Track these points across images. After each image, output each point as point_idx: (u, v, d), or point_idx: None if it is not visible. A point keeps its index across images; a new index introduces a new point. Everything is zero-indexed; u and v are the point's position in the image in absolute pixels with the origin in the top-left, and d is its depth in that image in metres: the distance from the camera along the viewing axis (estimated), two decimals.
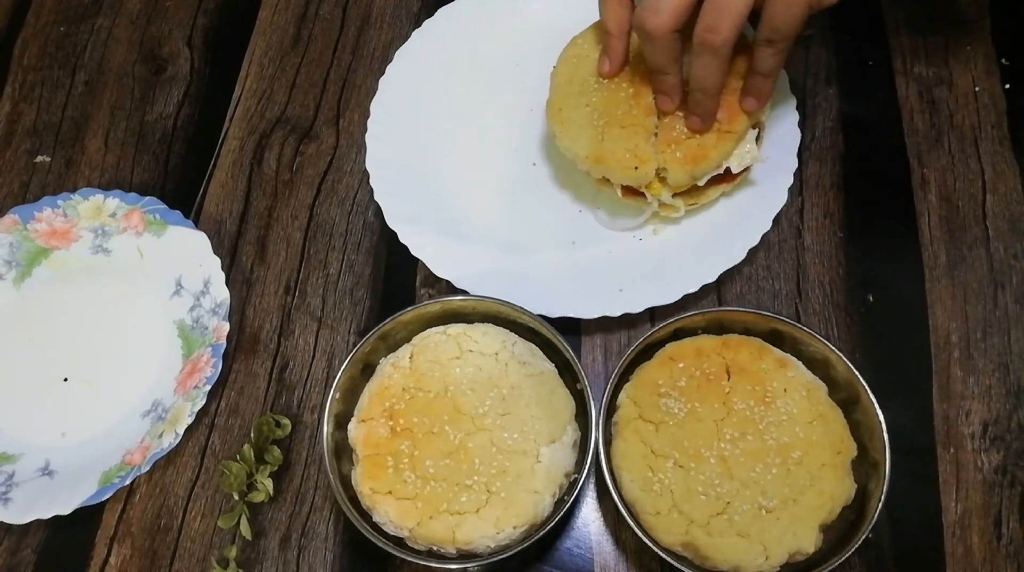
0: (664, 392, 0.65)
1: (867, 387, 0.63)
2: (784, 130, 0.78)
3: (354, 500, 0.64)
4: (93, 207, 0.80)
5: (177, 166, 0.87)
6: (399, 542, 0.63)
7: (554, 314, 0.71)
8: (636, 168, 0.70)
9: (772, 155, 0.76)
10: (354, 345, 0.76)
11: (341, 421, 0.67)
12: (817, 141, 0.83)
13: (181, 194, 0.85)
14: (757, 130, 0.74)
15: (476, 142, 0.84)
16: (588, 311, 0.72)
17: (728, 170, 0.72)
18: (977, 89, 0.84)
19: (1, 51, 0.94)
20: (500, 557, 0.61)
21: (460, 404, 0.65)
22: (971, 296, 0.75)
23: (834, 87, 0.86)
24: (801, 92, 0.85)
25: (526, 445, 0.63)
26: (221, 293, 0.75)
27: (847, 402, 0.65)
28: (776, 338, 0.68)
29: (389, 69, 0.84)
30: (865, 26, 0.88)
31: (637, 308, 0.71)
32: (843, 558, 0.59)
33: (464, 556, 0.62)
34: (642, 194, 0.73)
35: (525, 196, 0.81)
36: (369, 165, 0.80)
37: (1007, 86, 0.84)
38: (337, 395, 0.66)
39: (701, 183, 0.72)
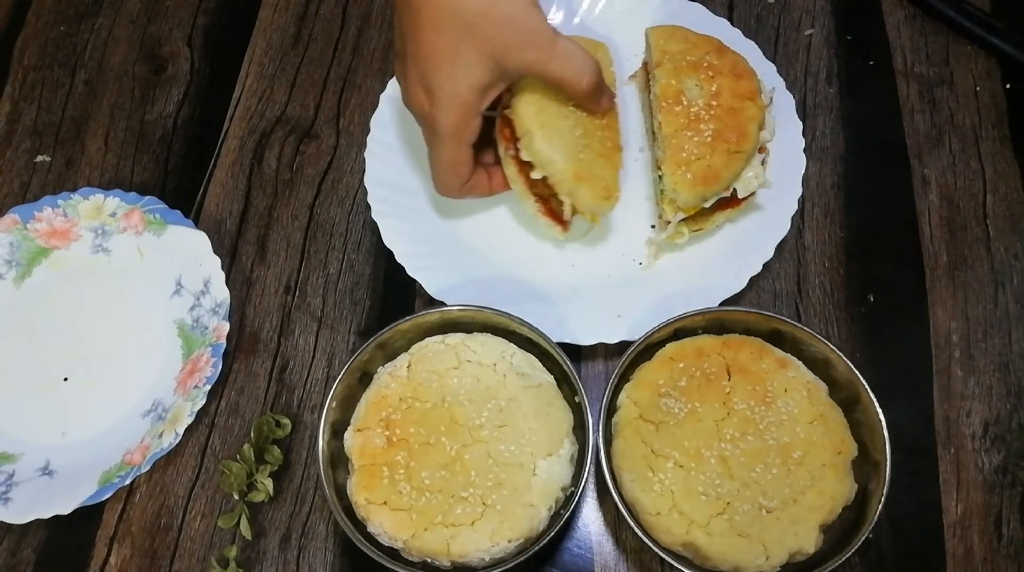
0: (664, 392, 0.65)
1: (867, 387, 0.63)
2: (790, 156, 0.77)
3: (349, 510, 0.64)
4: (93, 207, 0.80)
5: (177, 166, 0.87)
6: (394, 553, 0.63)
7: (552, 340, 0.69)
8: (606, 198, 0.69)
9: (777, 181, 0.75)
10: (354, 345, 0.77)
11: (338, 429, 0.67)
12: (817, 141, 0.83)
13: (181, 194, 0.85)
14: (763, 155, 0.74)
15: None
16: (586, 338, 0.72)
17: (735, 194, 0.72)
18: (978, 89, 0.84)
19: (1, 51, 0.94)
20: (495, 571, 0.61)
21: (457, 415, 0.64)
22: (972, 296, 0.75)
23: (834, 87, 0.85)
24: (801, 92, 0.85)
25: (523, 458, 0.63)
26: (221, 293, 0.75)
27: (848, 402, 0.65)
28: (777, 338, 0.68)
29: (390, 84, 0.84)
30: (865, 26, 0.88)
31: (635, 335, 0.70)
32: (843, 558, 0.59)
33: (458, 569, 0.62)
34: (560, 220, 0.72)
35: (525, 217, 0.80)
36: (368, 182, 0.79)
37: (1008, 86, 0.84)
38: (334, 404, 0.66)
39: (708, 205, 0.72)
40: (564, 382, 0.67)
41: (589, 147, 0.70)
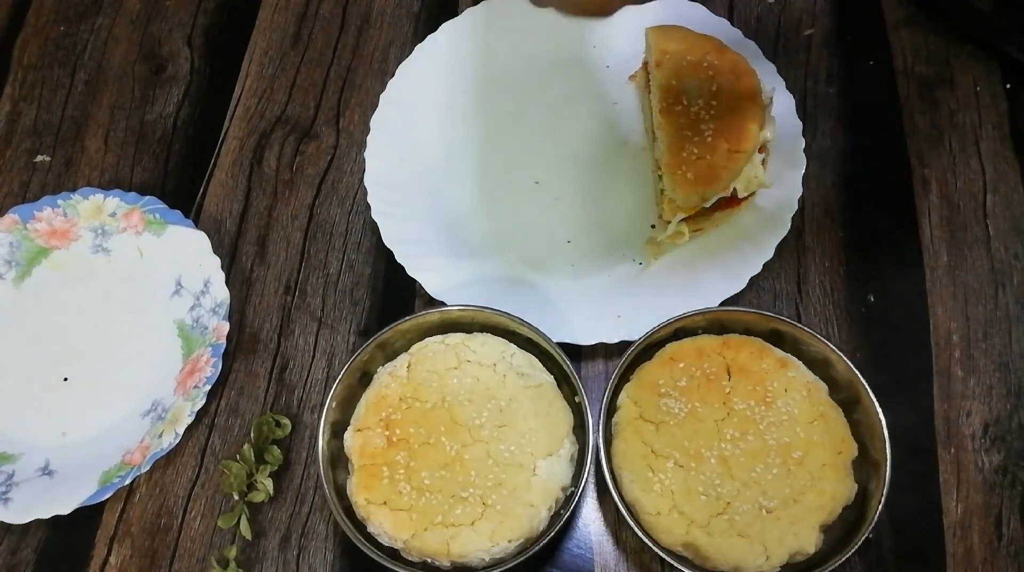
0: (665, 392, 0.65)
1: (868, 387, 0.63)
2: (790, 156, 0.77)
3: (349, 510, 0.64)
4: (93, 207, 0.80)
5: (177, 166, 0.87)
6: (394, 553, 0.63)
7: (552, 340, 0.68)
8: None
9: (777, 181, 0.75)
10: (354, 345, 0.77)
11: (338, 430, 0.67)
12: (817, 141, 0.83)
13: (181, 194, 0.85)
14: (763, 155, 0.74)
15: (476, 160, 0.83)
16: (586, 337, 0.72)
17: (735, 194, 0.72)
18: (978, 89, 0.84)
19: (1, 50, 0.94)
20: (495, 571, 0.61)
21: (457, 415, 0.64)
22: (972, 296, 0.75)
23: (834, 87, 0.85)
24: (801, 92, 0.85)
25: (523, 458, 0.63)
26: (221, 293, 0.75)
27: (848, 402, 0.65)
28: (777, 338, 0.68)
29: (390, 84, 0.84)
30: (865, 26, 0.88)
31: (635, 335, 0.70)
32: (843, 558, 0.59)
33: (458, 569, 0.62)
34: None
35: (525, 216, 0.80)
36: (368, 182, 0.79)
37: (1008, 85, 0.84)
38: (334, 404, 0.66)
39: (708, 205, 0.72)
40: (564, 382, 0.67)
41: None
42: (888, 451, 0.61)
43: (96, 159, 0.88)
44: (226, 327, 0.73)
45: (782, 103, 0.79)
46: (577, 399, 0.66)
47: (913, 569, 0.66)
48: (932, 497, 0.68)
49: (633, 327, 0.71)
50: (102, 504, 0.70)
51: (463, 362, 0.67)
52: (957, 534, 0.67)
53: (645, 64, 0.83)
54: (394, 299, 0.79)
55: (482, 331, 0.70)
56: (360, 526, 0.63)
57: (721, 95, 0.72)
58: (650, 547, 0.60)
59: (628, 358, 0.66)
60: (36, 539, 0.71)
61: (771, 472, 0.61)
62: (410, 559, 0.62)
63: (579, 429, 0.66)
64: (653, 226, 0.78)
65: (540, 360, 0.68)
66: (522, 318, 0.68)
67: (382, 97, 0.83)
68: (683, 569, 0.60)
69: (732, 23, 0.85)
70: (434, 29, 0.87)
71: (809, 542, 0.60)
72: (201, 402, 0.70)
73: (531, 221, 0.80)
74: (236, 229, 0.83)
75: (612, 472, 0.64)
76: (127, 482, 0.68)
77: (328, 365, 0.76)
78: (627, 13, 0.85)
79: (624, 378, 0.67)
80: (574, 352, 0.73)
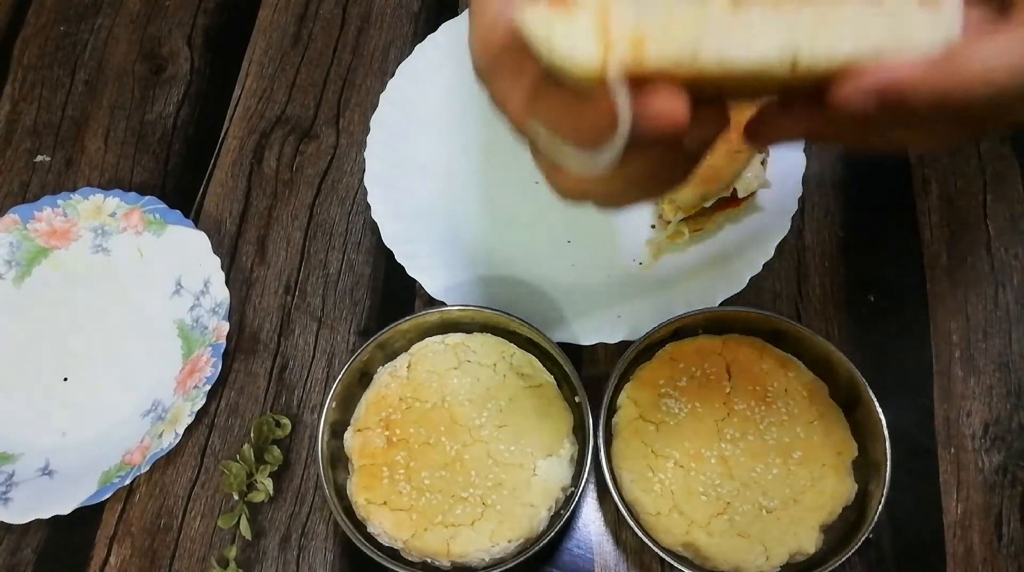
0: (664, 392, 0.65)
1: (868, 387, 0.63)
2: (790, 156, 0.77)
3: (349, 510, 0.64)
4: (93, 207, 0.80)
5: (177, 166, 0.87)
6: (394, 553, 0.63)
7: (552, 340, 0.68)
8: None
9: (777, 181, 0.75)
10: (354, 345, 0.76)
11: (338, 430, 0.67)
12: None
13: (181, 194, 0.85)
14: (763, 155, 0.74)
15: (476, 160, 0.83)
16: (586, 338, 0.72)
17: (735, 194, 0.72)
18: None
19: (1, 50, 0.94)
20: (495, 571, 0.61)
21: (457, 415, 0.64)
22: (972, 296, 0.75)
23: None
24: None
25: (523, 458, 0.63)
26: (221, 293, 0.75)
27: (848, 402, 0.65)
28: (777, 338, 0.68)
29: (390, 85, 0.84)
30: None
31: (635, 335, 0.70)
32: (843, 558, 0.59)
33: (458, 569, 0.62)
34: None
35: (525, 216, 0.80)
36: (368, 182, 0.79)
37: None
38: (334, 404, 0.66)
39: (708, 205, 0.72)
40: (564, 382, 0.67)
41: None
42: (888, 451, 0.61)
43: (96, 159, 0.88)
44: (226, 327, 0.73)
45: None
46: (577, 399, 0.66)
47: (913, 569, 0.66)
48: (932, 497, 0.68)
49: (633, 327, 0.71)
50: (102, 504, 0.70)
51: (463, 362, 0.67)
52: (957, 534, 0.67)
53: None
54: (394, 299, 0.79)
55: (482, 331, 0.70)
56: (360, 526, 0.63)
57: None
58: (650, 547, 0.60)
59: (628, 358, 0.66)
60: (36, 539, 0.71)
61: (771, 472, 0.61)
62: (410, 559, 0.62)
63: (579, 429, 0.66)
64: (653, 226, 0.78)
65: (540, 360, 0.68)
66: (522, 318, 0.68)
67: (382, 97, 0.83)
68: (683, 569, 0.60)
69: None
70: (434, 29, 0.86)
71: (809, 542, 0.60)
72: (201, 402, 0.70)
73: (531, 221, 0.80)
74: (236, 229, 0.83)
75: (612, 472, 0.64)
76: (127, 482, 0.68)
77: (328, 365, 0.76)
78: None
79: (624, 378, 0.67)
80: (574, 352, 0.73)
